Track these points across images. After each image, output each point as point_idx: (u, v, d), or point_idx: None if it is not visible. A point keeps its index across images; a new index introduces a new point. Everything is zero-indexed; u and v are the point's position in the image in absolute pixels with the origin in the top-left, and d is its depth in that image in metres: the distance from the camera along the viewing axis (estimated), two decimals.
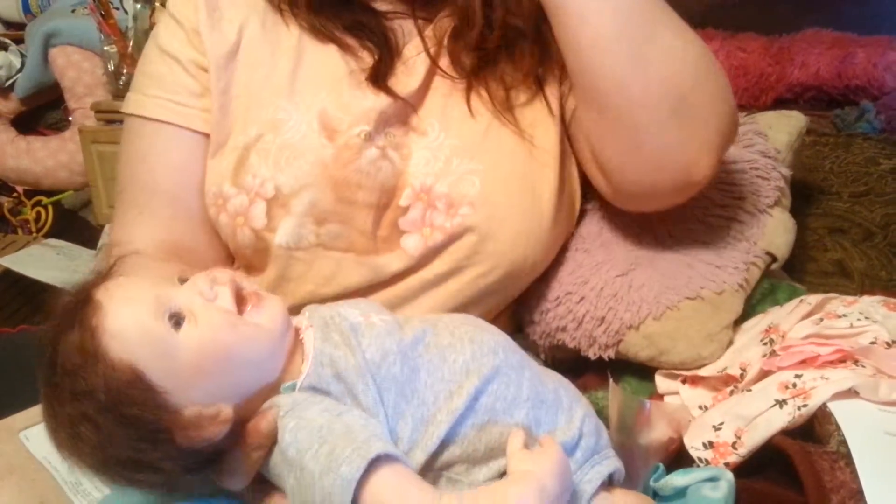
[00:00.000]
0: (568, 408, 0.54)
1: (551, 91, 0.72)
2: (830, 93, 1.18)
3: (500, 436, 0.50)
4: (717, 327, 0.67)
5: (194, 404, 0.47)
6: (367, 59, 0.71)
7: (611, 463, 0.54)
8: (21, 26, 1.87)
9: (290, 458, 0.46)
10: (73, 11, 1.77)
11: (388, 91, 0.70)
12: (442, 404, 0.50)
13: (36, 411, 0.75)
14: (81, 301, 0.47)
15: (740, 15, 1.30)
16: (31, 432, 0.74)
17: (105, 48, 1.57)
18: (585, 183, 0.76)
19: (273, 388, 0.50)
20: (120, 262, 0.53)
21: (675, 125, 0.64)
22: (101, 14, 1.55)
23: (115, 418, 0.45)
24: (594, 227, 0.77)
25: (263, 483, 0.51)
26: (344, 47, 0.72)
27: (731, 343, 0.69)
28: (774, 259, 0.72)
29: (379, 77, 0.70)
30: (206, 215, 0.73)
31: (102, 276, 0.50)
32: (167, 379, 0.46)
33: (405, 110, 0.71)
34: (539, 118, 0.71)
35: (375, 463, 0.44)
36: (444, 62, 0.72)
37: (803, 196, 0.93)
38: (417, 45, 0.72)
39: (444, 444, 0.49)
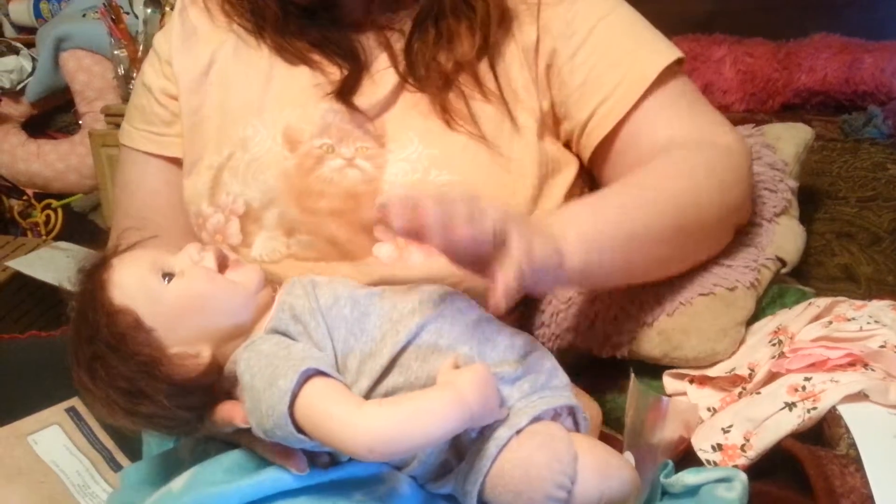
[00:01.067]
0: (521, 350, 0.58)
1: (522, 106, 0.72)
2: (838, 98, 1.18)
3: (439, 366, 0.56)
4: (730, 323, 0.67)
5: (178, 344, 0.56)
6: (335, 74, 0.73)
7: (552, 400, 0.56)
8: (32, 30, 1.89)
9: (245, 382, 0.54)
10: (83, 16, 1.78)
11: (352, 105, 0.71)
12: (387, 339, 0.56)
13: (44, 416, 0.76)
14: (99, 263, 0.58)
15: (748, 20, 1.30)
16: (40, 436, 0.75)
17: (115, 52, 1.58)
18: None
19: (245, 336, 0.58)
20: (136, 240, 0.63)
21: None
22: (111, 18, 1.56)
23: (117, 354, 0.54)
24: None
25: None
26: (311, 64, 0.74)
27: (743, 341, 0.68)
28: (784, 263, 0.72)
29: (345, 92, 0.71)
30: (189, 236, 0.75)
31: (119, 249, 0.60)
32: (157, 321, 0.55)
33: (373, 123, 0.71)
34: (510, 131, 0.71)
35: (309, 377, 0.51)
36: (411, 78, 0.72)
37: (811, 201, 0.93)
38: (385, 58, 0.73)
39: (386, 372, 0.55)
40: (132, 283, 0.56)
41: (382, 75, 0.72)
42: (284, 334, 0.57)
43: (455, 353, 0.56)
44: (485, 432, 0.54)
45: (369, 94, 0.72)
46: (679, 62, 0.74)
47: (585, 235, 0.59)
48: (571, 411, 0.58)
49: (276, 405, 0.50)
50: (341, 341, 0.56)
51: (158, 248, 0.62)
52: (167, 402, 0.55)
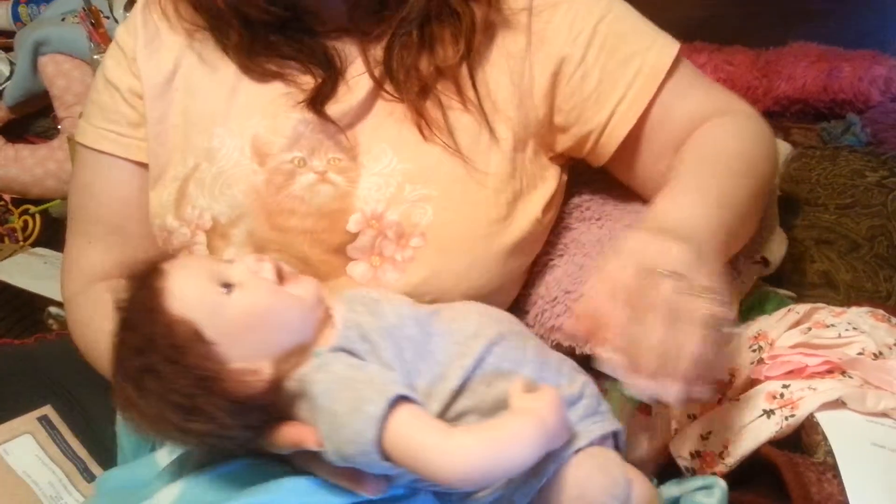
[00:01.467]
0: (569, 374, 0.59)
1: (500, 117, 0.69)
2: (817, 106, 1.19)
3: (507, 389, 0.55)
4: None
5: (239, 360, 0.53)
6: (309, 83, 0.69)
7: (610, 423, 0.57)
8: (10, 34, 1.87)
9: (321, 406, 0.51)
10: (63, 20, 1.77)
11: (324, 115, 0.67)
12: (454, 362, 0.55)
13: (15, 425, 0.75)
14: (150, 270, 0.55)
15: (728, 28, 1.32)
16: (11, 446, 0.74)
17: (95, 57, 1.56)
18: (584, 191, 0.76)
19: (306, 353, 0.55)
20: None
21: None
22: (91, 23, 1.55)
23: (174, 368, 0.51)
24: (593, 237, 0.76)
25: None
26: (282, 77, 0.70)
27: None
28: (767, 263, 0.72)
29: (317, 100, 0.68)
30: (154, 242, 0.73)
31: (167, 255, 0.59)
32: (218, 334, 0.52)
33: (345, 134, 0.68)
34: (487, 143, 0.69)
35: (396, 403, 0.49)
36: (388, 84, 0.69)
37: (790, 208, 0.93)
38: (360, 66, 0.69)
39: (455, 396, 0.55)
40: (192, 293, 0.53)
41: (357, 81, 0.69)
42: (351, 353, 0.54)
43: (519, 377, 0.55)
44: None
45: (342, 101, 0.69)
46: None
47: (713, 235, 0.58)
48: (615, 435, 0.58)
49: (363, 431, 0.48)
50: (410, 362, 0.55)
51: (208, 256, 0.59)
52: (224, 420, 0.52)
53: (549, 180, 0.72)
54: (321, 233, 0.66)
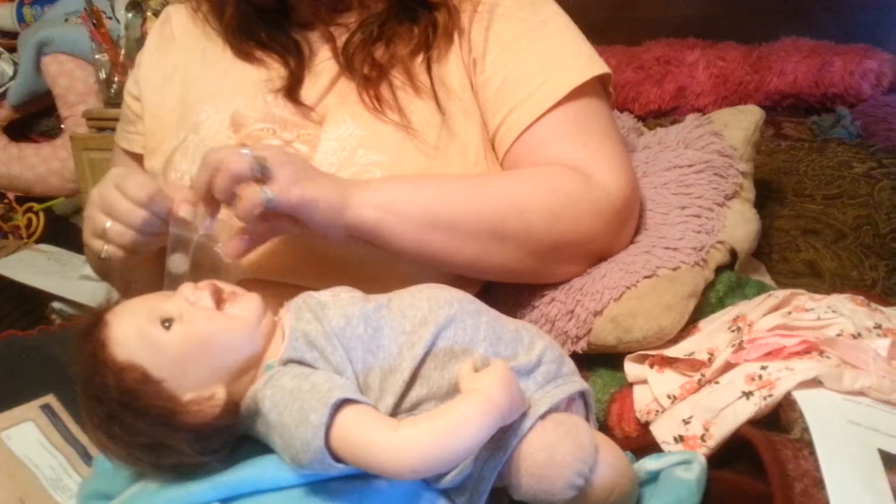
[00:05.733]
0: (528, 342, 0.60)
1: (451, 99, 0.76)
2: (808, 100, 1.20)
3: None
4: (673, 298, 0.68)
5: (191, 390, 0.55)
6: (282, 70, 0.79)
7: (567, 388, 0.58)
8: (15, 35, 1.89)
9: (272, 421, 0.53)
10: (65, 20, 1.79)
11: (297, 101, 0.77)
12: (405, 353, 0.56)
13: (17, 413, 0.76)
14: (94, 322, 0.56)
15: (721, 25, 1.33)
16: (12, 432, 0.75)
17: (97, 56, 1.58)
18: None
19: (258, 366, 0.57)
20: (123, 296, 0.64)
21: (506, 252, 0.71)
22: (93, 23, 1.56)
23: (131, 411, 0.53)
24: None
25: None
26: (261, 62, 0.81)
27: (694, 322, 0.69)
28: (735, 252, 0.74)
29: (290, 89, 0.77)
30: None
31: (110, 304, 0.59)
32: (164, 371, 0.54)
33: (315, 111, 0.76)
34: (439, 125, 0.74)
35: (339, 407, 0.51)
36: (347, 68, 0.78)
37: (777, 198, 0.94)
38: (327, 52, 0.80)
39: (409, 386, 0.56)
40: (132, 337, 0.54)
41: (325, 66, 0.79)
42: (300, 362, 0.56)
43: (472, 356, 0.56)
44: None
45: (311, 86, 0.78)
46: (603, 79, 0.77)
47: (385, 197, 0.66)
48: (582, 395, 0.60)
49: (310, 441, 0.50)
50: (360, 361, 0.56)
51: (150, 295, 0.62)
52: (189, 450, 0.53)
53: (495, 166, 0.77)
54: None
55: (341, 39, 0.80)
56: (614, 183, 0.72)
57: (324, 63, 0.80)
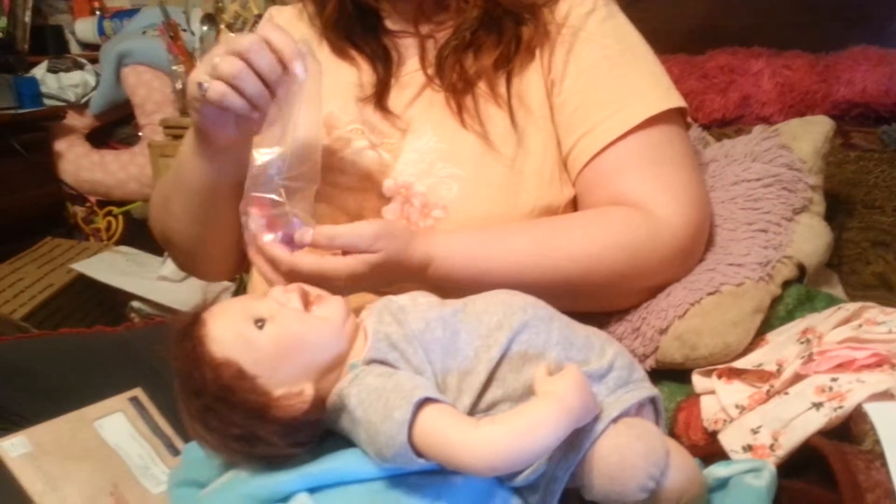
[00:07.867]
0: (599, 348, 0.62)
1: (530, 119, 0.77)
2: (878, 110, 1.17)
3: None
4: (739, 314, 0.68)
5: (282, 386, 0.58)
6: (371, 75, 0.82)
7: (638, 393, 0.60)
8: (96, 47, 1.98)
9: (358, 417, 0.56)
10: (144, 33, 1.86)
11: (386, 110, 0.79)
12: (482, 356, 0.59)
13: (109, 404, 0.80)
14: (191, 321, 0.60)
15: (786, 33, 1.31)
16: (105, 422, 0.79)
17: (173, 68, 1.65)
18: None
19: (343, 365, 0.60)
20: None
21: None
22: (170, 36, 1.63)
23: (227, 405, 0.57)
24: None
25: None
26: (352, 62, 0.83)
27: (757, 329, 0.69)
28: (803, 267, 0.73)
29: (378, 97, 0.80)
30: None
31: (206, 304, 0.62)
32: (258, 368, 0.57)
33: (401, 119, 0.79)
34: (515, 139, 0.76)
35: (421, 405, 0.53)
36: (437, 77, 0.79)
37: (846, 210, 0.93)
38: (415, 63, 0.81)
39: (485, 388, 0.58)
40: (228, 335, 0.58)
41: (412, 77, 0.81)
42: (383, 362, 0.59)
43: (546, 360, 0.59)
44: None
45: (398, 95, 0.81)
46: (680, 112, 0.77)
47: (454, 256, 0.69)
48: (653, 401, 0.61)
49: (395, 436, 0.53)
50: (439, 363, 0.59)
51: (242, 297, 0.65)
52: (279, 442, 0.57)
53: (568, 186, 0.78)
54: (361, 192, 0.77)
55: (430, 50, 0.81)
56: (679, 217, 0.72)
57: (410, 74, 0.82)
